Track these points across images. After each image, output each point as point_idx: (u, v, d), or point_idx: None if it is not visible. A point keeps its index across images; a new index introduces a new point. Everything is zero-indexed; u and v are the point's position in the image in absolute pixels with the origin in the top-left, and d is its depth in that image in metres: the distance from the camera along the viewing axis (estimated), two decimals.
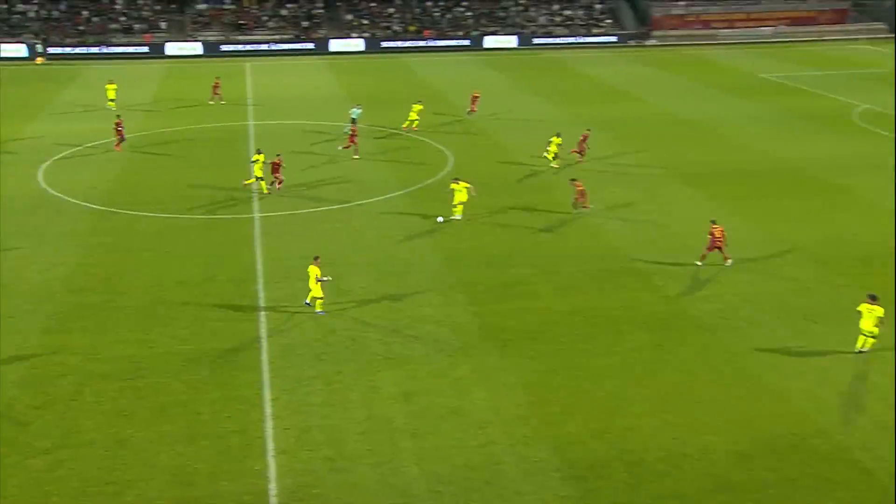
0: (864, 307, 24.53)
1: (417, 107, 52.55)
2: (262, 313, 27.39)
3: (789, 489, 18.91)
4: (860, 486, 19.07)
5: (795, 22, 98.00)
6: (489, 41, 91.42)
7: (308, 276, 26.67)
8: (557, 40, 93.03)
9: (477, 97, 56.89)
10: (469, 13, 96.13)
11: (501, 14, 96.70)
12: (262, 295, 28.77)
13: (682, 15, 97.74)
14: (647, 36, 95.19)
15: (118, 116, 48.95)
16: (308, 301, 27.09)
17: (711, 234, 30.68)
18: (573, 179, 36.88)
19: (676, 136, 50.98)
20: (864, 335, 24.57)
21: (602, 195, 38.96)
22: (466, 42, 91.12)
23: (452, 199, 35.31)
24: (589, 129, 45.41)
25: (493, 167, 44.04)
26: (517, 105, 57.93)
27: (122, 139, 47.07)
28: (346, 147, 45.78)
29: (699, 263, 30.93)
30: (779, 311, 27.56)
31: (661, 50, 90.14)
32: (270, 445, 20.47)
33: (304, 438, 20.73)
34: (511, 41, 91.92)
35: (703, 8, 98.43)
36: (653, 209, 37.49)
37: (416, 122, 51.98)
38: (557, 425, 21.26)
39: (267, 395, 22.66)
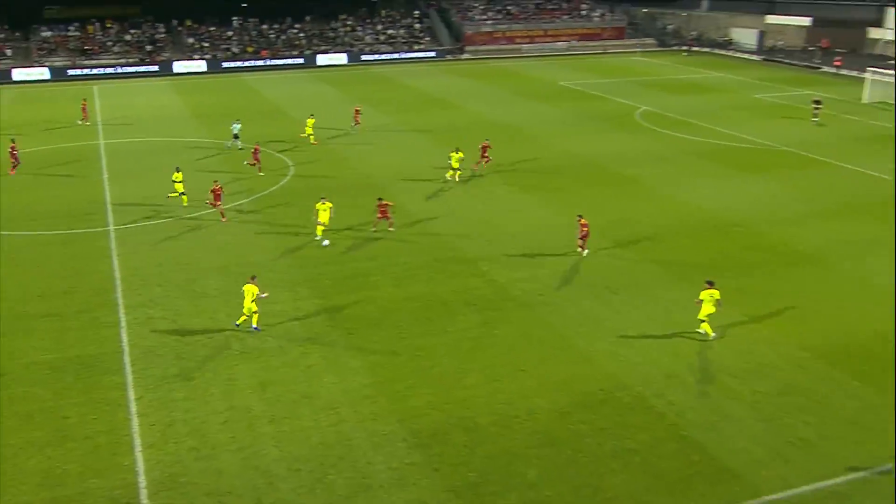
0: (704, 294, 23.78)
1: (311, 121, 50.83)
2: (123, 319, 26.09)
3: (601, 437, 19.76)
4: (655, 427, 20.16)
5: (584, 37, 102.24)
6: (322, 59, 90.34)
7: (244, 295, 24.88)
8: (383, 56, 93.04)
9: (359, 111, 55.44)
10: (302, 34, 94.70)
11: (332, 34, 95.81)
12: (121, 302, 27.40)
13: (490, 32, 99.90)
14: (461, 51, 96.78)
15: (12, 140, 44.90)
16: (238, 323, 25.32)
17: (582, 226, 30.85)
18: (380, 198, 34.61)
19: (491, 138, 51.65)
20: (702, 319, 23.93)
21: (429, 193, 39.38)
22: (301, 60, 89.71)
23: (316, 218, 32.95)
24: (488, 139, 44.96)
25: (332, 174, 43.59)
26: (349, 116, 57.30)
27: (16, 163, 43.40)
28: (253, 164, 43.01)
29: (583, 252, 31.08)
30: (585, 286, 28.62)
31: (473, 63, 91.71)
32: (137, 441, 19.59)
33: (169, 432, 19.95)
34: (342, 58, 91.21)
35: (508, 26, 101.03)
36: (475, 203, 38.11)
37: (312, 135, 50.05)
38: (401, 401, 21.37)
39: (131, 395, 21.64)
